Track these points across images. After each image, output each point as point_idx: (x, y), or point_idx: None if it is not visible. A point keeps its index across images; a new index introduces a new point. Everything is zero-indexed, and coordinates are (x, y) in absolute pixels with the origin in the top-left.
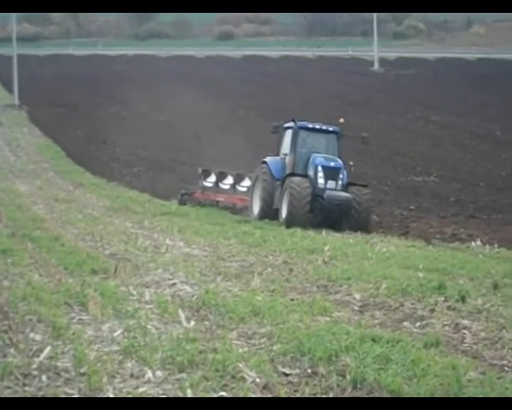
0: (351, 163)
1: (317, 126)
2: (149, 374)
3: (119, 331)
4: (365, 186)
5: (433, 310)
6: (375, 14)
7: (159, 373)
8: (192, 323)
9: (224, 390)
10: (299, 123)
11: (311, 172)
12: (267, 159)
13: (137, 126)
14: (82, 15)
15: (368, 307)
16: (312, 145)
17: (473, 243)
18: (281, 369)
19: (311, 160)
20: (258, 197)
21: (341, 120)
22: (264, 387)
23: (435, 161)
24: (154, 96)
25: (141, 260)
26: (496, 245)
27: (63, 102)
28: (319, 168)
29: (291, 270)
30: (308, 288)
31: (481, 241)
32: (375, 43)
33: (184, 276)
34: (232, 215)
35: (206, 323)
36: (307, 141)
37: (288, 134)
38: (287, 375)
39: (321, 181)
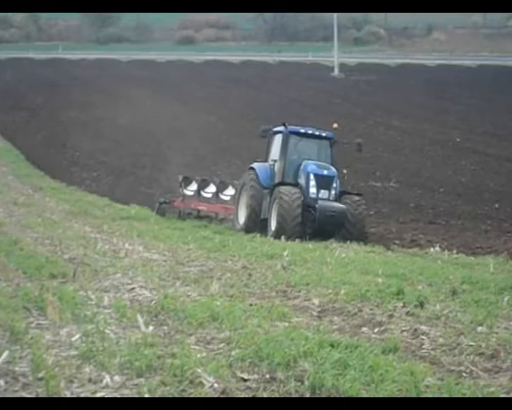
0: (344, 171)
1: (309, 131)
2: (107, 379)
3: (77, 336)
4: (359, 195)
5: (391, 316)
6: (335, 20)
7: (117, 378)
8: (150, 328)
9: (182, 395)
10: (290, 127)
11: (302, 181)
12: (254, 165)
13: (98, 131)
14: (43, 18)
15: (326, 313)
16: (303, 151)
17: (432, 249)
18: (239, 374)
19: (302, 167)
20: (245, 206)
21: (335, 125)
22: (223, 392)
23: (395, 167)
24: (114, 100)
25: (100, 264)
26: (454, 251)
27: (23, 105)
28: (311, 177)
29: (250, 275)
30: (267, 293)
31: (440, 247)
32: (336, 48)
33: (143, 281)
34: (191, 220)
35: (165, 328)
36: (298, 147)
37: (278, 139)
38: (245, 380)
39: (313, 190)
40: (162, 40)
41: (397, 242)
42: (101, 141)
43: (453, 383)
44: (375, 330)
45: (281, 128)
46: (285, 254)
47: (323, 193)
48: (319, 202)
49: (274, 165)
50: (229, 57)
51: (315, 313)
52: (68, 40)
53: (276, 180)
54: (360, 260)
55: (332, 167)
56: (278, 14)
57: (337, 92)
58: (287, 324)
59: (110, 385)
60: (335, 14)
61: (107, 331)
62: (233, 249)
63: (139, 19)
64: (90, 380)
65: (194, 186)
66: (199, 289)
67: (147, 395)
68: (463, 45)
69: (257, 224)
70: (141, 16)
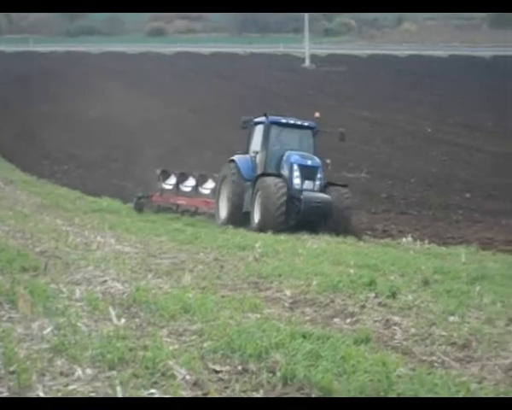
0: (327, 161)
1: (291, 121)
2: (79, 372)
3: (48, 329)
4: (345, 186)
5: (363, 306)
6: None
7: (89, 371)
8: (122, 320)
9: (155, 388)
10: (272, 117)
11: (285, 172)
12: (235, 157)
13: (69, 123)
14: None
15: (298, 304)
16: (286, 142)
17: (403, 239)
18: (211, 366)
19: (285, 158)
20: (226, 200)
21: (317, 115)
22: (195, 384)
23: (366, 158)
24: (85, 92)
25: (71, 257)
26: (426, 241)
27: None
28: (295, 167)
29: (222, 267)
30: (239, 285)
31: (412, 237)
32: (307, 39)
33: (115, 273)
34: (164, 213)
35: (137, 320)
36: (280, 137)
37: (259, 130)
38: (217, 372)
39: (297, 181)
40: (133, 32)
41: (369, 232)
42: (73, 134)
43: (425, 373)
44: (347, 320)
45: (262, 119)
46: (257, 245)
47: (308, 184)
48: (304, 192)
49: (255, 156)
50: (200, 49)
51: (287, 305)
52: (39, 33)
53: (259, 171)
54: (332, 250)
55: (316, 157)
56: None
57: (308, 83)
58: (259, 315)
59: (82, 378)
60: None
61: (78, 324)
62: (205, 241)
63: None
64: (61, 373)
65: (172, 180)
66: (171, 281)
67: (119, 388)
68: (434, 36)
69: (239, 217)
70: None
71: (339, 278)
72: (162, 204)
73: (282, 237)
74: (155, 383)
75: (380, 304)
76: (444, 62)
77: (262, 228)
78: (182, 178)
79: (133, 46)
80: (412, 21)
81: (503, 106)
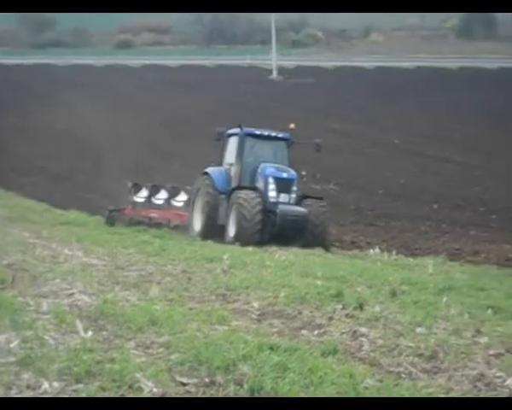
0: (303, 173)
1: (266, 133)
2: (46, 385)
3: (15, 342)
4: (320, 199)
5: (331, 318)
6: (273, 23)
7: (55, 384)
8: (90, 333)
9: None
10: (246, 129)
11: (260, 185)
12: (209, 170)
13: (36, 136)
14: None
15: (266, 316)
16: (260, 154)
17: (371, 251)
18: (178, 378)
19: (259, 170)
20: (200, 213)
21: (292, 126)
22: (162, 397)
23: (334, 169)
24: (52, 105)
25: (38, 270)
26: (394, 252)
27: None
28: (270, 180)
29: (190, 279)
30: (207, 297)
31: (380, 248)
32: (274, 51)
33: (82, 286)
34: (132, 226)
35: (104, 333)
36: (254, 149)
37: (233, 141)
38: (184, 384)
39: (272, 194)
40: (100, 44)
41: (337, 244)
42: (39, 146)
43: (392, 384)
44: (315, 332)
45: (236, 130)
46: (225, 257)
47: (283, 197)
48: (279, 206)
49: (230, 168)
50: (167, 61)
51: (254, 317)
52: (5, 45)
53: (233, 184)
54: (300, 262)
55: (291, 170)
56: (216, 18)
57: (276, 95)
58: (226, 327)
59: (49, 391)
60: (273, 17)
61: (45, 337)
62: (173, 253)
63: (77, 22)
64: (28, 386)
65: (144, 193)
66: (138, 293)
67: None
68: (401, 47)
69: (213, 230)
70: (78, 19)
71: (306, 290)
72: (134, 217)
73: (250, 248)
74: (122, 395)
75: (347, 316)
76: (411, 74)
77: (238, 241)
78: (154, 191)
79: (100, 58)
80: (380, 32)
81: (471, 117)
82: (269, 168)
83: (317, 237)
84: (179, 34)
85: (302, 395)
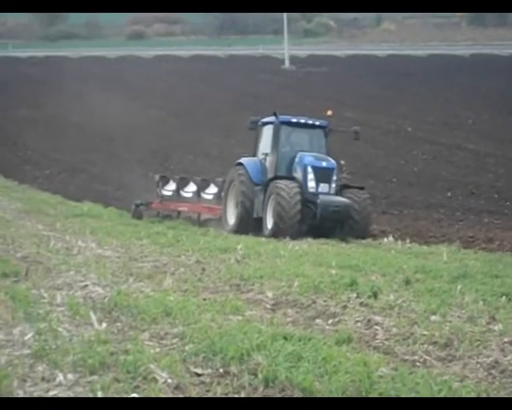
0: (342, 162)
1: (302, 121)
2: (60, 377)
3: (29, 335)
4: (362, 188)
5: (345, 307)
6: (285, 13)
7: (70, 376)
8: (104, 325)
9: (136, 392)
10: (281, 117)
11: (298, 175)
12: (243, 160)
13: (49, 128)
14: None
15: (280, 306)
16: (296, 143)
17: (385, 239)
18: (193, 369)
19: (297, 160)
20: (234, 205)
21: (329, 113)
22: (176, 387)
23: (348, 158)
24: (65, 97)
25: (52, 262)
26: (408, 241)
27: None
28: (309, 169)
29: (203, 269)
30: (220, 287)
31: (393, 237)
32: (286, 41)
33: (96, 277)
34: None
35: (118, 324)
36: (291, 138)
37: (268, 130)
38: (199, 375)
39: (311, 184)
40: (112, 36)
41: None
42: (53, 139)
43: (406, 372)
44: (329, 321)
45: (271, 118)
46: (239, 247)
47: (323, 187)
48: (320, 196)
49: (265, 158)
50: (179, 52)
51: (268, 306)
52: (18, 38)
53: (270, 175)
54: (313, 252)
55: (330, 159)
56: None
57: (288, 85)
58: (240, 317)
59: (63, 383)
60: None
61: (59, 329)
62: (186, 244)
63: (89, 15)
64: (43, 379)
65: (172, 186)
66: (152, 284)
67: (100, 393)
68: (413, 35)
69: (249, 223)
70: (90, 13)
71: (320, 279)
72: (162, 211)
73: (264, 238)
74: (137, 386)
75: (361, 304)
76: (423, 62)
77: (276, 234)
78: (182, 184)
79: (112, 50)
80: (391, 21)
81: (483, 104)
82: (307, 157)
83: (360, 228)
84: (191, 25)
85: (316, 384)
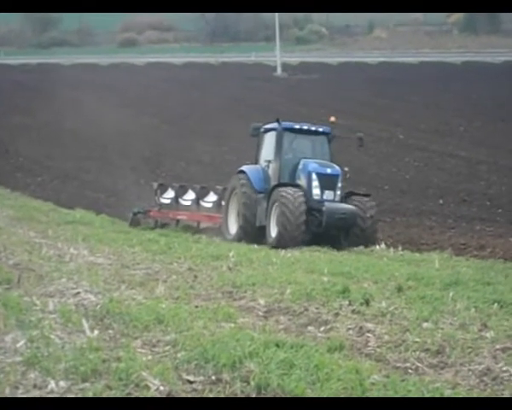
0: (346, 169)
1: (305, 127)
2: (52, 384)
3: (22, 342)
4: (368, 196)
5: (337, 314)
6: (277, 19)
7: (62, 383)
8: (96, 332)
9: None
10: (284, 123)
11: (302, 182)
12: (245, 168)
13: (41, 135)
14: None
15: (272, 313)
16: (299, 149)
17: (377, 247)
18: (185, 376)
19: (300, 166)
20: (236, 214)
21: (332, 119)
22: (168, 395)
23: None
24: (58, 104)
25: (45, 269)
26: (400, 248)
27: None
28: (314, 176)
29: (196, 277)
30: (213, 294)
31: (385, 244)
32: (278, 48)
33: (88, 285)
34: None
35: (110, 332)
36: (294, 145)
37: (270, 137)
38: (191, 382)
39: (316, 192)
40: (104, 43)
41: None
42: (46, 146)
43: (398, 379)
44: (321, 328)
45: (273, 125)
46: (231, 254)
47: (328, 194)
48: (326, 203)
49: (268, 166)
50: (171, 59)
51: (261, 314)
52: (10, 45)
53: (273, 182)
54: (305, 259)
55: (335, 165)
56: (220, 15)
57: (280, 92)
58: (232, 325)
59: (55, 390)
60: (277, 14)
61: (52, 337)
62: (178, 251)
63: (81, 22)
64: (35, 386)
65: (170, 193)
66: (144, 292)
67: None
68: (404, 42)
69: (251, 232)
70: (83, 19)
71: (312, 286)
72: (160, 220)
73: (256, 245)
74: (129, 394)
75: (353, 311)
76: (415, 69)
77: (280, 243)
78: (181, 192)
79: (105, 57)
80: (383, 28)
81: (475, 111)
82: (312, 164)
83: (366, 236)
84: (183, 32)
85: (308, 391)
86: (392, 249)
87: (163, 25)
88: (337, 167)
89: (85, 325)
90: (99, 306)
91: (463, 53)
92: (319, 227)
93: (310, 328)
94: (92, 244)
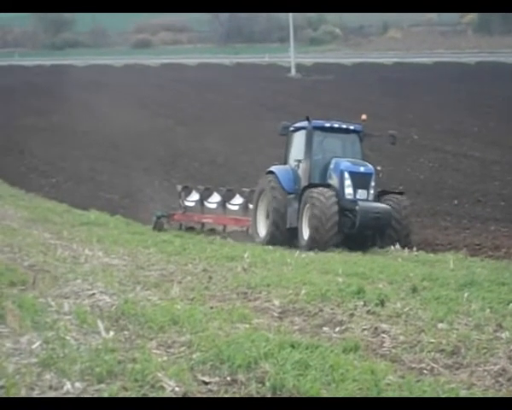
0: (378, 168)
1: (336, 125)
2: (68, 386)
3: (37, 343)
4: (401, 194)
5: (352, 315)
6: (291, 20)
7: (78, 384)
8: (111, 333)
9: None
10: (314, 122)
11: (334, 181)
12: (274, 168)
13: (55, 137)
14: None
15: (287, 314)
16: (330, 148)
17: (392, 247)
18: (200, 377)
19: (332, 166)
20: (265, 216)
21: (363, 117)
22: (184, 396)
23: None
24: (72, 106)
25: (60, 270)
26: (415, 248)
27: None
28: (346, 175)
29: (210, 278)
30: (228, 295)
31: (400, 244)
32: (292, 49)
33: (103, 286)
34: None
35: (126, 333)
36: (324, 144)
37: (300, 136)
38: (206, 383)
39: (349, 191)
40: (118, 44)
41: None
42: (60, 147)
43: (414, 380)
44: (336, 329)
45: (303, 123)
46: (245, 255)
47: (361, 193)
48: (359, 203)
49: (298, 166)
50: (185, 60)
51: (275, 314)
52: (24, 47)
53: (303, 182)
54: (320, 259)
55: (368, 164)
56: (233, 16)
57: (294, 93)
58: (247, 325)
59: (71, 392)
60: (291, 15)
61: (67, 338)
62: (193, 252)
63: (95, 23)
64: (50, 387)
65: (195, 196)
66: (159, 293)
67: None
68: (419, 43)
69: (282, 235)
70: (96, 20)
71: (327, 287)
72: (185, 223)
73: (271, 247)
74: (144, 395)
75: (368, 312)
76: (429, 69)
77: (313, 245)
78: (206, 194)
79: (119, 58)
80: (397, 28)
81: (489, 112)
82: (344, 162)
83: (400, 237)
84: (197, 33)
85: (324, 392)
86: (406, 250)
87: (176, 26)
88: (370, 166)
89: (101, 326)
90: (114, 307)
91: (477, 53)
92: (352, 228)
93: (325, 329)
94: (107, 245)
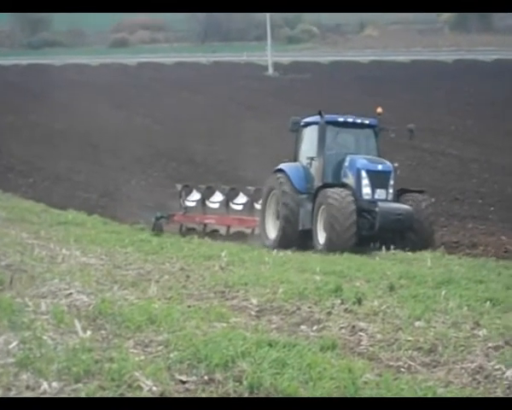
0: (396, 164)
1: (350, 120)
2: (45, 386)
3: (14, 343)
4: (422, 192)
5: (329, 313)
6: (268, 19)
7: (55, 384)
8: (88, 333)
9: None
10: (327, 116)
11: (350, 180)
12: (283, 166)
13: (33, 136)
14: None
15: (265, 312)
16: (344, 144)
17: (370, 245)
18: (177, 376)
19: (346, 164)
20: (275, 217)
21: (379, 110)
22: (161, 395)
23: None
24: (49, 105)
25: (37, 270)
26: (392, 247)
27: None
28: (363, 174)
29: (188, 277)
30: (205, 294)
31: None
32: (269, 47)
33: (81, 285)
34: (128, 225)
35: (103, 332)
36: (337, 139)
37: (311, 132)
38: (183, 382)
39: (366, 191)
40: (96, 44)
41: None
42: (37, 146)
43: (391, 378)
44: (314, 327)
45: (315, 118)
46: (223, 254)
47: (380, 193)
48: (379, 203)
49: (310, 163)
50: (162, 59)
51: (253, 313)
52: (1, 45)
53: (317, 181)
54: (298, 258)
55: (386, 161)
56: (211, 15)
57: (272, 91)
58: (225, 324)
59: (48, 392)
60: (268, 14)
61: (44, 338)
62: (171, 252)
63: (72, 22)
64: (27, 387)
65: (196, 196)
66: (137, 292)
67: None
68: (396, 41)
69: (293, 237)
70: (74, 20)
71: (305, 286)
72: (186, 224)
73: (248, 245)
74: (121, 394)
75: (346, 310)
76: (406, 68)
77: (330, 248)
78: (207, 194)
79: (96, 58)
80: (374, 27)
81: (466, 110)
82: (360, 160)
83: (422, 238)
84: (174, 32)
85: (301, 390)
86: (384, 248)
87: (154, 25)
88: (388, 163)
89: (78, 325)
90: (91, 306)
91: (455, 51)
92: (371, 230)
93: (302, 327)
94: (84, 245)
